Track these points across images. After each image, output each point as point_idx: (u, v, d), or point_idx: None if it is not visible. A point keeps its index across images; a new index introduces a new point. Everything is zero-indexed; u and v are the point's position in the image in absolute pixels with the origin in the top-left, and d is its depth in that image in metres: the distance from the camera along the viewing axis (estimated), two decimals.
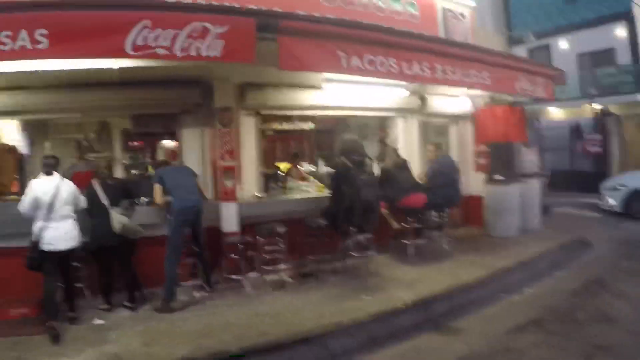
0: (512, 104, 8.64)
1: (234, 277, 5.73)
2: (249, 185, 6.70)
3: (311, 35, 4.94)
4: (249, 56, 4.51)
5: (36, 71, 4.82)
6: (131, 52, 4.18)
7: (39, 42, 3.98)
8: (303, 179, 7.64)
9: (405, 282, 5.88)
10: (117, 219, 5.18)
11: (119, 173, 8.08)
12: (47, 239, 4.71)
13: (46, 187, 4.82)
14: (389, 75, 5.52)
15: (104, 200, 5.25)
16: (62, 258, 4.87)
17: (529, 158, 9.30)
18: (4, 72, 4.95)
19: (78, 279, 5.34)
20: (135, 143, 8.28)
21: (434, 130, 9.24)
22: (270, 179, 7.31)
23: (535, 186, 9.03)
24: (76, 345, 4.43)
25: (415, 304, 5.25)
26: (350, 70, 5.22)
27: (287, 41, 4.73)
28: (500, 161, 8.64)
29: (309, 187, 7.00)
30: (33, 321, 4.87)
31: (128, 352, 4.25)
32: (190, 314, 5.15)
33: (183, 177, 5.64)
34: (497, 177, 8.48)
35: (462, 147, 9.18)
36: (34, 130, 8.03)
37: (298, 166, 8.06)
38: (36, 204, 4.74)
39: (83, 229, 5.11)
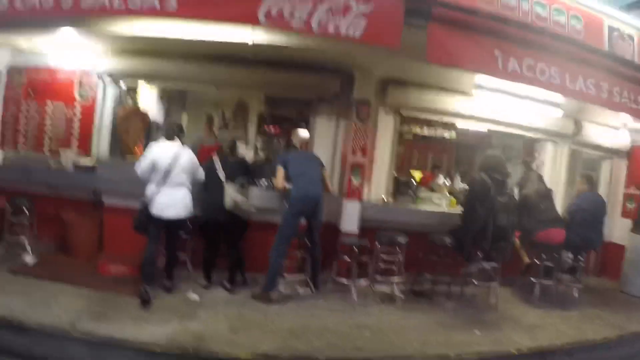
0: None
1: (343, 280, 5.34)
2: (378, 187, 6.32)
3: (466, 28, 4.46)
4: (394, 41, 4.11)
5: (171, 39, 4.82)
6: (263, 21, 3.99)
7: (167, 2, 3.90)
8: (437, 191, 7.09)
9: (524, 325, 5.22)
10: (230, 194, 5.01)
11: (249, 154, 8.10)
12: (157, 204, 4.66)
13: (165, 152, 4.75)
14: (548, 86, 4.93)
15: (221, 175, 5.11)
16: (169, 225, 4.81)
17: None
18: (140, 37, 4.96)
19: (183, 250, 5.33)
20: (272, 128, 8.18)
21: (584, 163, 8.31)
22: (402, 185, 6.87)
23: None
24: (163, 314, 4.38)
25: (530, 352, 4.60)
26: (505, 74, 4.68)
27: (438, 30, 4.29)
28: None
29: (442, 200, 6.42)
30: (130, 281, 4.89)
31: (212, 334, 4.10)
32: (287, 309, 4.92)
33: (309, 165, 5.35)
34: None
35: (612, 188, 8.08)
36: (172, 100, 8.30)
37: (436, 178, 7.54)
38: (153, 168, 4.69)
39: (197, 201, 5.03)
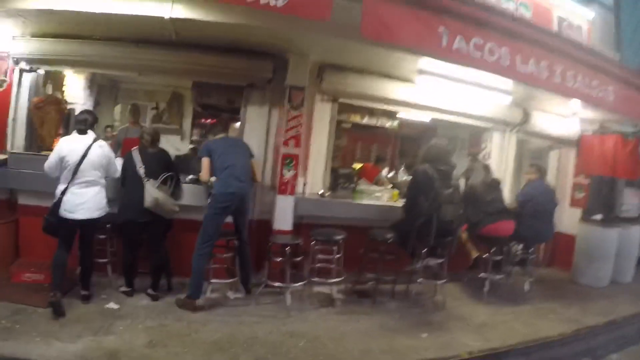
0: (626, 135, 7.29)
1: (275, 284, 4.85)
2: (315, 180, 5.87)
3: (408, 1, 4.03)
4: (323, 12, 3.68)
5: (85, 15, 4.43)
6: None
7: None
8: (381, 184, 6.69)
9: (474, 325, 4.95)
10: (151, 192, 4.52)
11: (183, 147, 7.67)
12: (66, 205, 4.18)
13: (75, 146, 4.22)
14: (497, 68, 4.56)
15: (140, 171, 4.59)
16: (82, 227, 4.28)
17: (633, 200, 7.88)
18: (52, 13, 4.52)
19: (103, 254, 4.89)
20: (208, 121, 7.61)
21: (531, 152, 8.09)
22: (342, 178, 6.41)
23: (635, 234, 7.60)
24: (76, 328, 3.93)
25: (483, 355, 4.30)
26: (450, 53, 4.28)
27: (375, 2, 3.85)
28: (600, 198, 7.38)
29: (383, 193, 6.01)
30: (46, 290, 4.34)
31: (127, 350, 3.68)
32: (214, 317, 4.49)
33: (236, 154, 4.83)
34: (596, 216, 7.19)
35: (560, 177, 7.90)
36: (102, 90, 7.82)
37: (380, 171, 7.17)
38: (61, 164, 4.16)
39: (116, 200, 4.58)
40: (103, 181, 4.38)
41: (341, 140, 8.69)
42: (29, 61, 5.69)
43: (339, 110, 6.09)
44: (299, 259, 4.97)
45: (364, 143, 9.47)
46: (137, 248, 4.79)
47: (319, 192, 5.76)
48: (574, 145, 7.64)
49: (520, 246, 6.24)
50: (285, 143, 5.33)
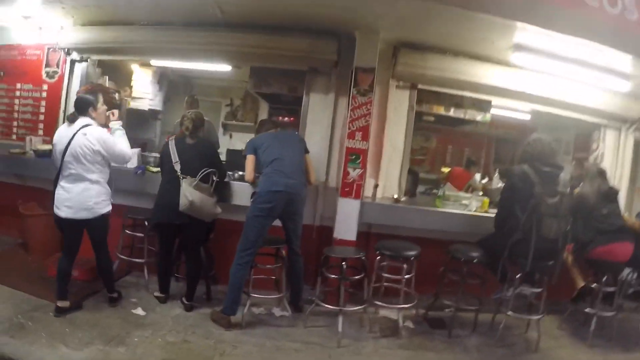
0: None
1: (327, 306, 4.03)
2: (389, 183, 5.02)
3: None
4: None
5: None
6: None
7: None
8: (470, 192, 5.72)
9: None
10: (186, 193, 3.86)
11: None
12: (56, 200, 3.73)
13: (63, 134, 3.73)
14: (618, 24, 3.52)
15: (176, 166, 3.97)
16: (71, 227, 3.76)
17: None
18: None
19: (139, 253, 4.58)
20: (286, 119, 6.98)
21: None
22: (421, 182, 5.52)
23: None
24: (89, 334, 3.51)
25: None
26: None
27: None
28: None
29: (471, 201, 4.99)
30: (77, 286, 4.18)
31: None
32: (250, 337, 3.79)
33: (286, 148, 4.12)
34: None
35: None
36: (173, 86, 7.76)
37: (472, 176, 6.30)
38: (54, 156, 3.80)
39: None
40: (96, 177, 3.72)
41: (427, 141, 8.25)
42: (80, 51, 5.59)
43: (418, 100, 5.17)
44: (359, 276, 4.11)
45: (454, 145, 8.64)
46: (172, 251, 4.25)
47: (394, 197, 4.85)
48: None
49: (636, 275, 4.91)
50: (351, 135, 4.47)
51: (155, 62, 6.42)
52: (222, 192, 4.31)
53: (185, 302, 4.15)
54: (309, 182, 4.25)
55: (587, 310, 4.51)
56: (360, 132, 4.47)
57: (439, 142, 8.58)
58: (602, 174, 4.69)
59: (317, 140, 4.70)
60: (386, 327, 4.20)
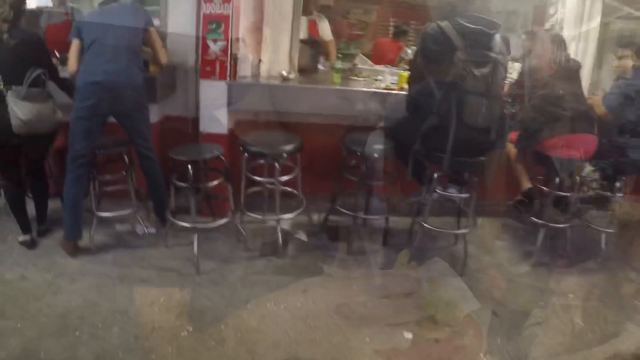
0: None
1: (180, 223, 3.05)
2: (276, 56, 3.80)
3: None
4: None
5: None
6: None
7: None
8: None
9: None
10: (17, 109, 2.79)
11: None
12: None
13: None
14: None
15: None
16: None
17: None
18: None
19: None
20: None
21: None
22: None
23: None
24: None
25: None
26: None
27: None
28: None
29: (385, 74, 3.87)
30: None
31: None
32: (97, 265, 2.96)
33: (111, 24, 2.97)
34: None
35: None
36: None
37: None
38: None
39: None
40: None
41: (366, 14, 7.45)
42: None
43: None
44: (216, 182, 3.10)
45: (398, 18, 7.48)
46: (21, 177, 3.19)
47: (283, 74, 3.69)
48: None
49: (599, 176, 3.94)
50: None
51: None
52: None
53: (38, 227, 3.29)
54: (159, 65, 3.22)
55: (532, 219, 3.57)
56: None
57: (381, 16, 7.63)
58: (558, 42, 3.53)
59: (182, 11, 3.52)
60: (269, 241, 3.24)
